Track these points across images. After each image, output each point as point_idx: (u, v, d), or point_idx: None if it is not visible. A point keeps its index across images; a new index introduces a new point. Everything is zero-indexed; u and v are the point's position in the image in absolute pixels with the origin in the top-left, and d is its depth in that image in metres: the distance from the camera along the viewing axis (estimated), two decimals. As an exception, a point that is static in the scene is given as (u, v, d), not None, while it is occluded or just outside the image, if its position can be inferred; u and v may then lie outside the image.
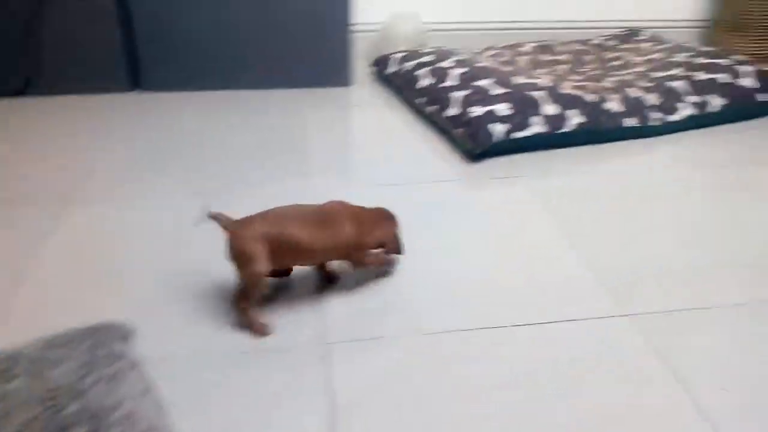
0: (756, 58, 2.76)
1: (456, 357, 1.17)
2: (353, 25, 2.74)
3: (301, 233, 1.18)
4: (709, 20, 3.10)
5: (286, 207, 1.24)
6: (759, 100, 2.30)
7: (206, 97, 2.44)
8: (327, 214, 1.24)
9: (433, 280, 1.40)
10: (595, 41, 2.89)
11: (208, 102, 2.39)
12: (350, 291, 1.34)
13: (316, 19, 2.42)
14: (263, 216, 1.19)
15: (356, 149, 2.06)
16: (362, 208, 1.30)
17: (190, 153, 1.99)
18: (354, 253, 1.27)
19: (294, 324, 1.23)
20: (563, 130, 2.01)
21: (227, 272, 1.24)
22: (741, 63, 2.37)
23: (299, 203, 1.28)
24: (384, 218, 1.34)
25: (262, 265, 1.15)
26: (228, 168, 1.88)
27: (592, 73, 2.47)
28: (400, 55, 2.50)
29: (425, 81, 2.27)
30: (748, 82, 2.31)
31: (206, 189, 1.76)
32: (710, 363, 1.16)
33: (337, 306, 1.30)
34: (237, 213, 1.22)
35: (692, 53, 2.46)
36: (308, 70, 2.51)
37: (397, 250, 1.37)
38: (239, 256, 1.16)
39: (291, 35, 2.44)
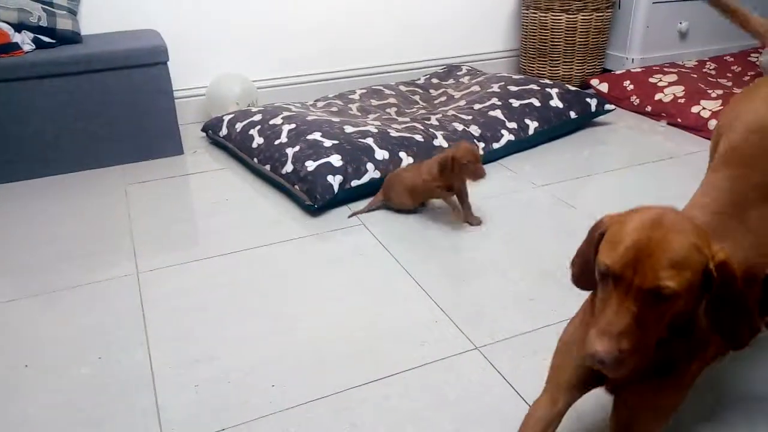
0: (560, 80, 3.03)
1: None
2: (177, 91, 2.67)
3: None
4: (516, 49, 3.37)
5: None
6: (571, 117, 2.51)
7: (17, 188, 2.22)
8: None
9: (301, 342, 1.35)
10: (420, 80, 3.03)
11: (20, 192, 2.18)
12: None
13: (135, 90, 2.31)
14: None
15: (195, 221, 1.97)
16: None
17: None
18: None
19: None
20: (397, 172, 2.06)
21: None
22: (548, 86, 2.58)
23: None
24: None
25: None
26: (43, 261, 1.71)
27: (419, 112, 2.58)
28: (229, 116, 2.45)
29: (258, 140, 2.24)
30: (557, 102, 2.52)
31: (19, 289, 1.58)
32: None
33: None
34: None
35: (505, 82, 2.65)
36: (133, 143, 2.38)
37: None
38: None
39: (109, 110, 2.31)
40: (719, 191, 1.00)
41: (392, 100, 2.71)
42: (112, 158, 2.37)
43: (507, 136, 2.35)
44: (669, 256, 0.75)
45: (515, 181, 2.14)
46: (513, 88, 2.56)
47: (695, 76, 2.89)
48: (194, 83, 2.79)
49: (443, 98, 2.75)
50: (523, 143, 2.39)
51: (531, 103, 2.47)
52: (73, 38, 2.34)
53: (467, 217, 1.86)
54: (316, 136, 2.11)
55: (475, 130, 2.32)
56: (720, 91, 2.66)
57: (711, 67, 3.10)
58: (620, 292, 0.77)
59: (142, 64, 2.30)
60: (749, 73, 3.03)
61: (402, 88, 2.89)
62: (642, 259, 0.76)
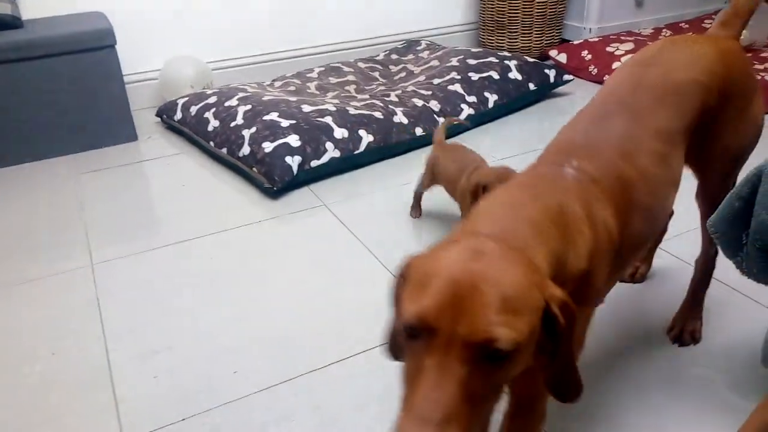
0: (519, 52, 3.03)
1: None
2: (128, 75, 2.58)
3: None
4: (476, 22, 3.35)
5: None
6: (530, 89, 2.51)
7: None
8: None
9: (263, 327, 1.32)
10: (380, 57, 2.99)
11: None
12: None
13: (83, 76, 2.23)
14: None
15: (151, 208, 1.92)
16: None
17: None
18: None
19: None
20: (357, 151, 2.03)
21: None
22: (507, 58, 2.57)
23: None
24: None
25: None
26: (-2, 260, 1.65)
27: (379, 89, 2.55)
28: (183, 100, 2.38)
29: (214, 123, 2.18)
30: (516, 74, 2.51)
31: (-29, 291, 1.52)
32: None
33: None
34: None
35: (464, 55, 2.62)
36: (84, 132, 2.30)
37: None
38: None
39: (56, 98, 2.22)
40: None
41: (351, 78, 2.67)
42: (62, 148, 2.29)
43: (467, 110, 2.33)
44: (500, 296, 0.56)
45: (476, 155, 2.14)
46: (472, 62, 2.55)
47: (651, 43, 2.90)
48: (146, 67, 2.71)
49: (403, 74, 2.72)
50: (483, 117, 2.38)
51: (490, 76, 2.46)
52: (13, 23, 2.24)
53: None
54: (273, 116, 2.07)
55: (435, 105, 2.30)
56: (675, 58, 2.68)
57: (667, 35, 3.13)
58: (438, 353, 0.55)
59: (88, 49, 2.21)
60: (704, 40, 3.07)
61: (361, 64, 2.85)
62: (463, 302, 0.55)
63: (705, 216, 1.18)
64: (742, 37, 2.77)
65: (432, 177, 1.68)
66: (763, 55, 2.72)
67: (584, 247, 0.76)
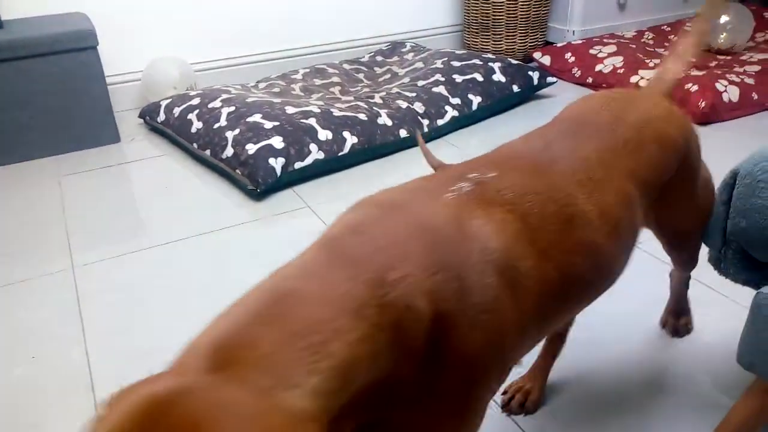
0: (504, 54, 3.04)
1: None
2: (110, 77, 2.56)
3: None
4: (460, 24, 3.36)
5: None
6: (514, 91, 2.52)
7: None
8: None
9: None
10: (364, 58, 2.99)
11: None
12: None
13: (64, 77, 2.21)
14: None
15: (134, 211, 1.90)
16: None
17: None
18: None
19: None
20: (341, 153, 2.03)
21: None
22: (491, 60, 2.58)
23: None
24: None
25: None
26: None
27: (363, 90, 2.55)
28: (167, 101, 2.37)
29: (197, 125, 2.17)
30: (500, 77, 2.52)
31: (-51, 295, 1.50)
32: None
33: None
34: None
35: (448, 57, 2.63)
36: (66, 133, 2.28)
37: None
38: None
39: (37, 99, 2.20)
40: None
41: (336, 79, 2.67)
42: (44, 149, 2.27)
43: (451, 112, 2.34)
44: None
45: (460, 158, 2.14)
46: (456, 64, 2.56)
47: (634, 46, 2.93)
48: (129, 68, 2.68)
49: (387, 76, 2.73)
50: (467, 119, 2.39)
51: (474, 78, 2.47)
52: (-8, 23, 2.21)
53: None
54: (257, 118, 2.06)
55: (419, 107, 2.30)
56: (657, 60, 2.71)
57: (649, 37, 3.16)
58: None
59: (70, 50, 2.19)
60: (685, 42, 3.10)
61: (346, 66, 2.85)
62: None
63: (680, 264, 1.15)
64: (723, 38, 2.81)
65: None
66: (743, 58, 2.76)
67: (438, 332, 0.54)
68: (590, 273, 0.73)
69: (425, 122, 2.27)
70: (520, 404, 1.12)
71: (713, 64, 2.72)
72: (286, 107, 2.16)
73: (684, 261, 1.13)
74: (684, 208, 0.99)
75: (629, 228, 0.79)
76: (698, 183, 0.99)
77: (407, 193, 0.67)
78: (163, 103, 2.37)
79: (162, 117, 2.33)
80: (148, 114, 2.42)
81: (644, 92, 0.98)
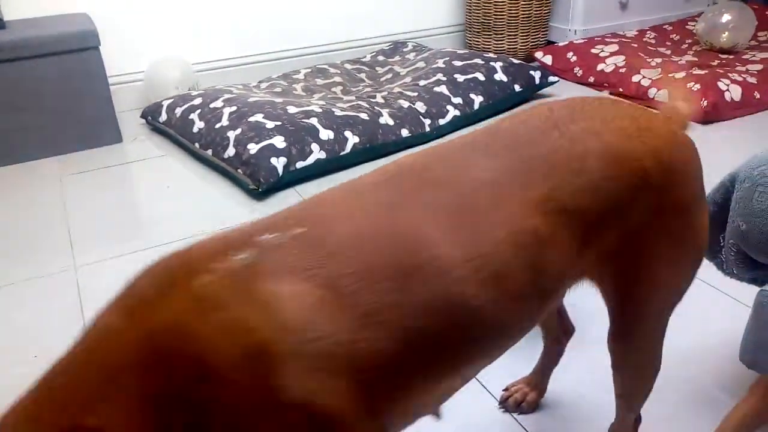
0: (504, 54, 3.04)
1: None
2: (113, 77, 2.57)
3: None
4: (462, 24, 3.36)
5: None
6: (515, 91, 2.52)
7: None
8: None
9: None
10: (366, 58, 3.00)
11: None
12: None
13: (67, 77, 2.21)
14: None
15: (136, 210, 1.91)
16: None
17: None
18: None
19: None
20: (343, 153, 2.03)
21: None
22: (492, 60, 2.58)
23: None
24: None
25: None
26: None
27: (365, 90, 2.55)
28: (169, 101, 2.37)
29: (199, 125, 2.17)
30: (501, 76, 2.52)
31: (-48, 295, 1.51)
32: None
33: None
34: None
35: (450, 57, 2.63)
36: (68, 133, 2.28)
37: None
38: None
39: (40, 99, 2.20)
40: None
41: (338, 79, 2.67)
42: (46, 149, 2.27)
43: (453, 112, 2.34)
44: None
45: (462, 156, 2.14)
46: (458, 63, 2.56)
47: (636, 45, 2.93)
48: (131, 68, 2.69)
49: (389, 75, 2.73)
50: (469, 118, 2.39)
51: (476, 78, 2.47)
52: (-5, 24, 2.22)
53: None
54: (258, 117, 2.06)
55: (420, 106, 2.30)
56: (659, 60, 2.70)
57: (651, 36, 3.15)
58: None
59: (72, 50, 2.19)
60: (687, 41, 3.10)
61: (348, 66, 2.85)
62: None
63: (621, 372, 0.85)
64: (725, 38, 2.81)
65: None
66: (745, 57, 2.75)
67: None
68: (459, 333, 0.57)
69: (427, 122, 2.27)
70: (517, 403, 1.12)
71: (715, 63, 2.71)
72: (287, 107, 2.16)
73: (632, 375, 0.85)
74: (654, 274, 0.73)
75: (529, 272, 0.61)
76: (686, 238, 0.74)
77: (153, 280, 0.55)
78: (165, 103, 2.37)
79: (164, 117, 2.34)
80: (150, 114, 2.42)
81: (631, 106, 0.75)
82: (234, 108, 2.15)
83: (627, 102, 0.75)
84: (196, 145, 2.15)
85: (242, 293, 0.50)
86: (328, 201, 0.61)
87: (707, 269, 1.10)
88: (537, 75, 2.59)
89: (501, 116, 0.79)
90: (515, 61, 2.63)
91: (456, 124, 2.34)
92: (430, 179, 0.62)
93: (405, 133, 2.19)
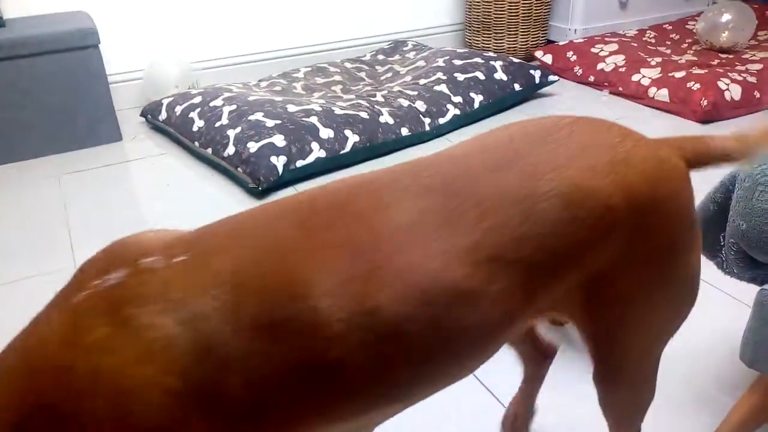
0: (505, 53, 3.04)
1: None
2: (112, 75, 2.56)
3: None
4: (462, 23, 3.36)
5: None
6: (515, 90, 2.52)
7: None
8: None
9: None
10: (366, 57, 2.99)
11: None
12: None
13: (66, 75, 2.21)
14: None
15: (136, 208, 1.90)
16: None
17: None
18: None
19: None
20: (343, 151, 2.03)
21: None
22: (492, 59, 2.58)
23: None
24: None
25: None
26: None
27: (365, 89, 2.55)
28: (168, 100, 2.37)
29: (199, 123, 2.17)
30: (501, 75, 2.52)
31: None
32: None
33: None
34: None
35: (450, 56, 2.63)
36: (67, 132, 2.28)
37: None
38: None
39: (40, 97, 2.20)
40: None
41: (337, 78, 2.67)
42: (46, 148, 2.27)
43: (452, 111, 2.34)
44: None
45: (462, 155, 2.14)
46: (458, 62, 2.55)
47: (635, 45, 2.93)
48: (131, 66, 2.69)
49: (389, 74, 2.73)
50: (468, 117, 2.39)
51: (476, 77, 2.47)
52: (-6, 22, 2.22)
53: None
54: (258, 116, 2.06)
55: (420, 105, 2.30)
56: (659, 59, 2.70)
57: (650, 36, 3.15)
58: None
59: (72, 48, 2.19)
60: (687, 41, 3.10)
61: (347, 65, 2.85)
62: None
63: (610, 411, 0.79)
64: (724, 37, 2.81)
65: None
66: (744, 56, 2.75)
67: None
68: (330, 392, 0.52)
69: (427, 121, 2.27)
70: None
71: (715, 62, 2.71)
72: (287, 105, 2.16)
73: (622, 412, 0.79)
74: (634, 319, 0.67)
75: (442, 330, 0.54)
76: (669, 280, 0.66)
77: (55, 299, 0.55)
78: (165, 102, 2.37)
79: (164, 115, 2.34)
80: (149, 112, 2.42)
81: (612, 131, 0.65)
82: (234, 106, 2.15)
83: (615, 125, 0.66)
84: (196, 143, 2.15)
85: (104, 316, 0.49)
86: (223, 230, 0.56)
87: (707, 268, 1.10)
88: (537, 74, 2.59)
89: (458, 142, 0.69)
90: (515, 60, 2.63)
91: (456, 123, 2.34)
92: (342, 216, 0.55)
93: (405, 132, 2.19)
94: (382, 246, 0.53)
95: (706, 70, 2.50)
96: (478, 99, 2.41)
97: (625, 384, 0.75)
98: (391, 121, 2.18)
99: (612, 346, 0.69)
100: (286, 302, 0.50)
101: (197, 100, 2.28)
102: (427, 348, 0.54)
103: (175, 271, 0.52)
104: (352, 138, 2.07)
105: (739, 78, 2.42)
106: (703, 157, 0.70)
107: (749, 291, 0.95)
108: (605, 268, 0.61)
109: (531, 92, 2.60)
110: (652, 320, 0.68)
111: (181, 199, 1.93)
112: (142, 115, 2.47)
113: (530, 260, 0.56)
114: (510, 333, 0.60)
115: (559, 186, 0.57)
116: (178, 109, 2.28)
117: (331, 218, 0.55)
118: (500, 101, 2.48)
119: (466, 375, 0.61)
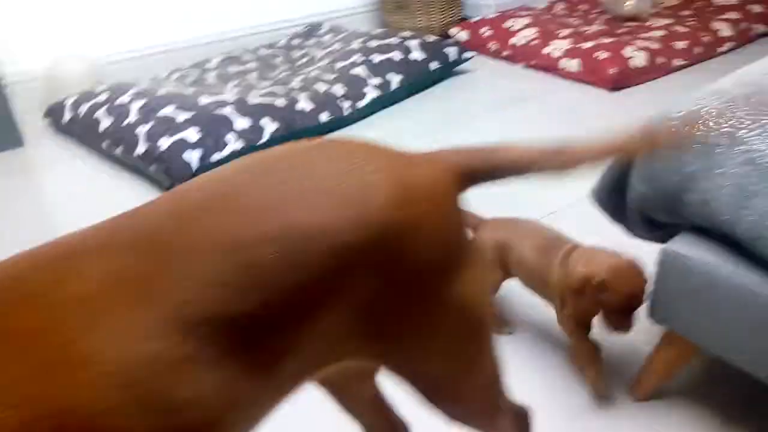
0: (420, 31, 3.04)
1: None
2: (9, 76, 2.41)
3: None
4: (377, 2, 3.33)
5: None
6: (432, 68, 2.52)
7: None
8: None
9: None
10: (281, 43, 2.93)
11: None
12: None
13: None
14: None
15: (45, 220, 1.80)
16: None
17: None
18: None
19: None
20: (261, 141, 1.99)
21: None
22: (408, 38, 2.57)
23: None
24: None
25: None
26: None
27: (281, 76, 2.49)
28: (72, 99, 2.24)
29: (106, 122, 2.07)
30: (417, 54, 2.52)
31: None
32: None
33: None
34: None
35: (366, 38, 2.61)
36: (-38, 140, 2.13)
37: None
38: None
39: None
40: None
41: (252, 66, 2.60)
42: (-61, 159, 2.11)
43: (371, 93, 2.32)
44: None
45: (385, 140, 2.14)
46: (373, 44, 2.53)
47: (546, 17, 2.99)
48: (30, 65, 2.53)
49: (305, 59, 2.68)
50: (388, 99, 2.37)
51: (392, 58, 2.46)
52: None
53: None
54: (169, 110, 1.98)
55: (338, 89, 2.27)
56: (569, 30, 2.77)
57: (560, 8, 3.23)
58: None
59: (-43, 49, 2.04)
60: (594, 11, 3.19)
61: (263, 51, 2.78)
62: None
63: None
64: (628, 6, 2.90)
65: (505, 272, 1.18)
66: (648, 24, 2.86)
67: None
68: None
69: (345, 105, 2.24)
70: None
71: (620, 31, 2.80)
72: (199, 97, 2.08)
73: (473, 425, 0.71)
74: (428, 354, 0.61)
75: (160, 416, 0.45)
76: (440, 311, 0.59)
77: None
78: (68, 102, 2.24)
79: (68, 116, 2.21)
80: (53, 114, 2.29)
81: (359, 151, 0.59)
82: (143, 102, 2.06)
83: (364, 146, 0.60)
84: (104, 144, 2.04)
85: None
86: None
87: (613, 228, 1.13)
88: (452, 51, 2.60)
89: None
90: (430, 38, 2.64)
91: (376, 106, 2.32)
92: (12, 295, 0.46)
93: (324, 117, 2.15)
94: (57, 325, 0.44)
95: (613, 39, 2.58)
96: (395, 79, 2.40)
97: (460, 410, 0.69)
98: (309, 107, 2.14)
99: (425, 381, 0.64)
100: None
101: (103, 97, 2.17)
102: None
103: None
104: (270, 127, 2.02)
105: (644, 45, 2.51)
106: (495, 170, 0.64)
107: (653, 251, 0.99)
108: (366, 305, 0.55)
109: (448, 70, 2.61)
110: (446, 349, 0.62)
111: (93, 205, 1.83)
112: (46, 116, 2.33)
113: (254, 315, 0.49)
114: (270, 392, 0.53)
115: (277, 230, 0.50)
116: (83, 109, 2.17)
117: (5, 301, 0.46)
118: (418, 81, 2.48)
119: None
